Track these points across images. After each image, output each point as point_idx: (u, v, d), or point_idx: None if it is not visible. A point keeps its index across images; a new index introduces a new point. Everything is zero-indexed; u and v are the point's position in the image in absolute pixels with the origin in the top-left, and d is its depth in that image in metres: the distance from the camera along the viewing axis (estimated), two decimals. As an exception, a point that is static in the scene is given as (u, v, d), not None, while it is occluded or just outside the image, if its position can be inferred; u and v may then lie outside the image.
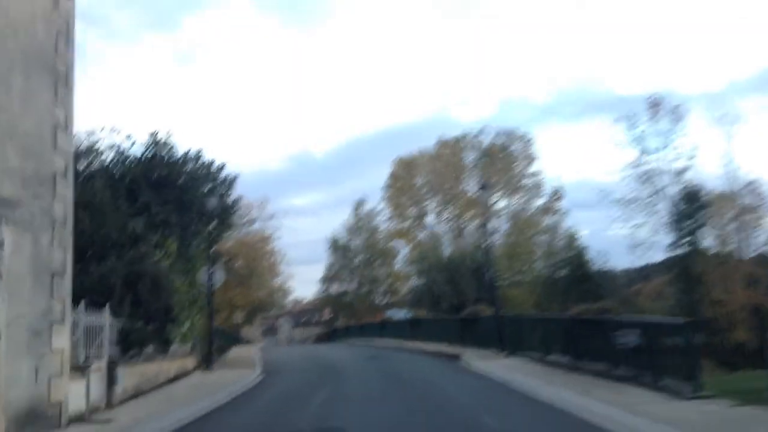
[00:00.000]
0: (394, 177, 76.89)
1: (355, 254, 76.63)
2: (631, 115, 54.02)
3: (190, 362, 22.07)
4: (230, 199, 27.69)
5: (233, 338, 57.64)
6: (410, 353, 29.48)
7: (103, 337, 14.68)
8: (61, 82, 12.60)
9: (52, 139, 12.17)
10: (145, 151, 23.79)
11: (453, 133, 75.91)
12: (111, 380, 14.53)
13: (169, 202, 22.98)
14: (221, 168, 26.62)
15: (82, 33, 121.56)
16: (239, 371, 21.76)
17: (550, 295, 56.68)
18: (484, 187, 24.82)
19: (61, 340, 11.82)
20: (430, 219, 75.81)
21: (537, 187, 71.33)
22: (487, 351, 24.13)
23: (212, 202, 23.65)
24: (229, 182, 26.95)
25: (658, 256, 54.80)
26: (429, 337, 33.31)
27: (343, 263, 76.33)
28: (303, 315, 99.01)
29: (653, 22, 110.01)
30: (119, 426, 12.28)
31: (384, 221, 76.91)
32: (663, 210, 53.56)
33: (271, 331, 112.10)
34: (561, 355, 18.98)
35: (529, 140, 72.61)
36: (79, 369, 12.89)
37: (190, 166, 24.76)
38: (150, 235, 20.19)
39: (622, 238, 77.43)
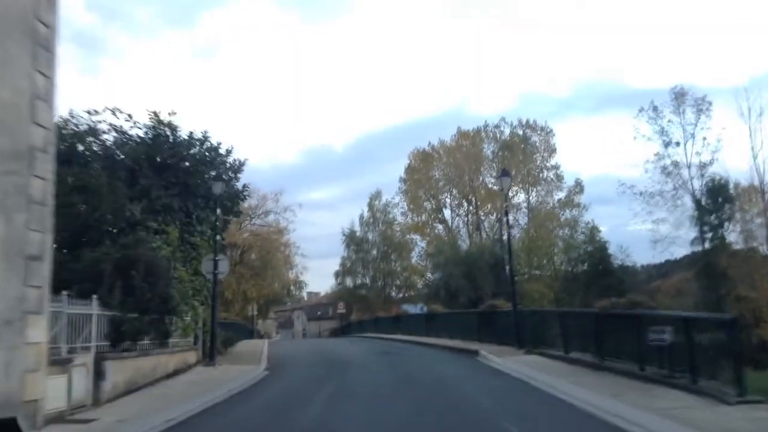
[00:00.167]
0: (411, 169, 75.79)
1: (371, 247, 75.49)
2: (654, 106, 53.02)
3: (191, 356, 20.96)
4: (238, 185, 26.46)
5: (247, 331, 56.86)
6: (425, 348, 28.25)
7: (91, 328, 13.61)
8: (41, 46, 11.42)
9: (29, 110, 10.96)
10: (147, 132, 22.61)
11: (471, 126, 74.64)
12: (99, 376, 13.40)
13: (172, 186, 21.82)
14: (229, 152, 25.44)
15: (102, 28, 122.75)
16: (243, 366, 20.64)
17: (569, 290, 55.60)
18: (504, 174, 23.37)
19: (38, 332, 10.64)
20: (447, 212, 74.82)
21: (557, 180, 70.05)
22: (505, 347, 22.88)
23: (218, 187, 22.40)
24: (237, 167, 25.73)
25: (680, 251, 53.62)
26: (445, 332, 32.06)
27: (358, 256, 75.21)
28: (318, 308, 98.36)
29: (672, 16, 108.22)
30: (101, 426, 11.16)
31: (400, 214, 75.86)
32: (686, 204, 52.42)
33: (287, 324, 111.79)
34: (584, 353, 17.74)
35: (549, 131, 71.25)
36: (60, 364, 11.77)
37: (195, 149, 23.55)
38: (149, 221, 19.11)
39: (641, 234, 75.97)
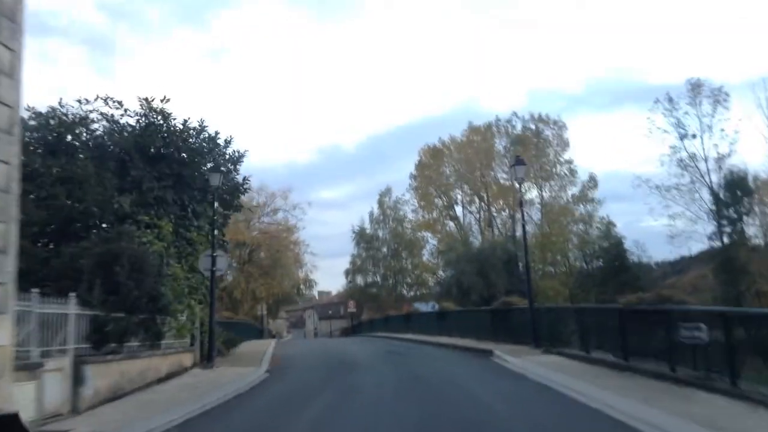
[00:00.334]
0: (422, 165, 74.69)
1: (381, 245, 74.34)
2: (670, 98, 51.69)
3: (187, 358, 19.73)
4: (238, 178, 25.14)
5: (256, 331, 55.77)
6: (436, 348, 26.98)
7: (68, 330, 12.44)
8: (4, 16, 10.23)
9: (-11, 86, 9.80)
10: (139, 120, 21.34)
11: (482, 121, 73.40)
12: (77, 381, 12.22)
13: (165, 177, 20.60)
14: (228, 142, 24.19)
15: (111, 28, 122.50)
16: (242, 369, 19.37)
17: (584, 287, 54.46)
18: (518, 162, 22.07)
19: (1, 334, 9.49)
20: (458, 209, 73.64)
21: (571, 175, 68.75)
22: (520, 346, 21.60)
23: (215, 179, 21.13)
24: (237, 158, 24.44)
25: (698, 246, 52.52)
26: (457, 330, 30.80)
27: (368, 254, 74.10)
28: (329, 308, 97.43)
29: (684, 11, 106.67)
30: (73, 439, 10.00)
31: (411, 211, 74.74)
32: (704, 198, 51.19)
33: (298, 323, 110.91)
34: (607, 352, 16.47)
35: (562, 125, 69.94)
36: (28, 369, 10.59)
37: (192, 139, 22.31)
38: (140, 214, 17.96)
39: (654, 231, 75.11)
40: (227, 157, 24.09)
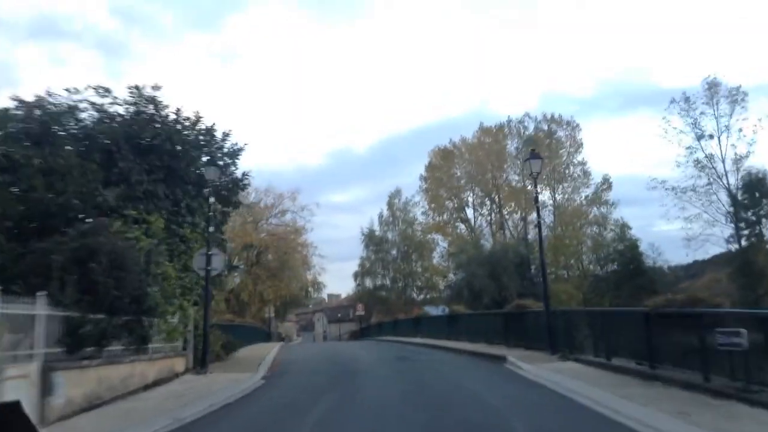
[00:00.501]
0: (432, 167, 73.48)
1: (390, 247, 73.07)
2: (686, 97, 50.36)
3: (179, 363, 18.44)
4: (237, 173, 23.86)
5: (263, 334, 54.68)
6: (445, 353, 25.68)
7: (36, 332, 11.21)
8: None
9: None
10: (128, 109, 20.08)
11: (494, 123, 72.26)
12: (46, 389, 10.98)
13: (156, 170, 19.39)
14: (226, 135, 22.90)
15: (124, 32, 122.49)
16: (238, 374, 18.12)
17: (598, 290, 53.26)
18: (533, 156, 20.79)
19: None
20: (469, 212, 72.42)
21: (584, 176, 67.39)
22: (535, 352, 20.35)
23: (211, 173, 19.86)
24: (235, 152, 23.14)
25: (715, 250, 51.33)
26: (468, 334, 29.53)
27: (377, 257, 72.83)
28: (338, 311, 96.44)
29: (697, 13, 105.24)
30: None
31: (421, 213, 73.54)
32: (721, 200, 49.90)
33: (308, 326, 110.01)
34: (630, 359, 15.18)
35: (576, 126, 68.56)
36: (-17, 376, 9.40)
37: (188, 131, 21.05)
38: (128, 208, 16.75)
39: (668, 235, 73.96)
40: (225, 150, 22.84)
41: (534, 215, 67.50)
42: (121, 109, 20.01)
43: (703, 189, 50.16)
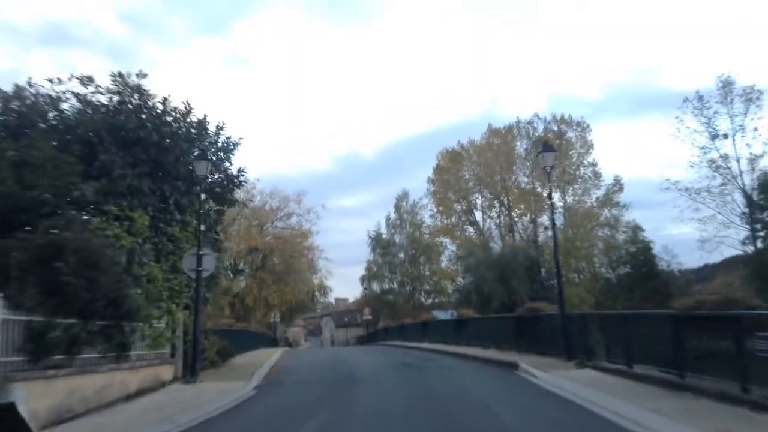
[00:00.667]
0: (440, 169, 72.22)
1: (398, 250, 71.85)
2: (700, 96, 49.09)
3: (166, 371, 17.11)
4: (231, 169, 22.54)
5: (268, 339, 53.58)
6: (454, 359, 24.37)
7: (-7, 338, 10.00)
8: None
9: None
10: (111, 98, 18.74)
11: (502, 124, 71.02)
12: (2, 402, 9.76)
13: (142, 163, 18.09)
14: (220, 129, 21.56)
15: (133, 39, 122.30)
16: (230, 383, 16.80)
17: (611, 293, 51.98)
18: (546, 148, 19.52)
19: None
20: (477, 214, 71.14)
21: (595, 178, 65.93)
22: (549, 358, 19.06)
23: (202, 167, 18.58)
24: (230, 147, 21.86)
25: (730, 252, 50.11)
26: (477, 339, 28.23)
27: (384, 260, 71.63)
28: (346, 315, 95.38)
29: (707, 14, 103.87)
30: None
31: (429, 216, 72.32)
32: (736, 200, 48.61)
33: (315, 331, 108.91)
34: (654, 366, 13.86)
35: (586, 126, 67.08)
36: None
37: (180, 124, 19.78)
38: (108, 204, 15.53)
39: (678, 239, 72.58)
40: (219, 145, 21.57)
41: (544, 217, 67.25)
42: (104, 99, 18.75)
43: (717, 189, 48.84)
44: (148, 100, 19.00)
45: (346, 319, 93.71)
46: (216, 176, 21.82)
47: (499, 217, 70.54)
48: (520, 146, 69.38)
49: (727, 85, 48.48)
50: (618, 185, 64.42)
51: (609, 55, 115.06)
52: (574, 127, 67.28)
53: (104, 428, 10.79)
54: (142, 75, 18.93)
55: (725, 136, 48.21)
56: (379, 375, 18.71)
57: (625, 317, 16.45)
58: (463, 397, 13.36)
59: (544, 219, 66.77)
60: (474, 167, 70.90)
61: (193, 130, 20.29)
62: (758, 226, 45.86)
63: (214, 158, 20.87)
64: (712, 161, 48.83)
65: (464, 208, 71.28)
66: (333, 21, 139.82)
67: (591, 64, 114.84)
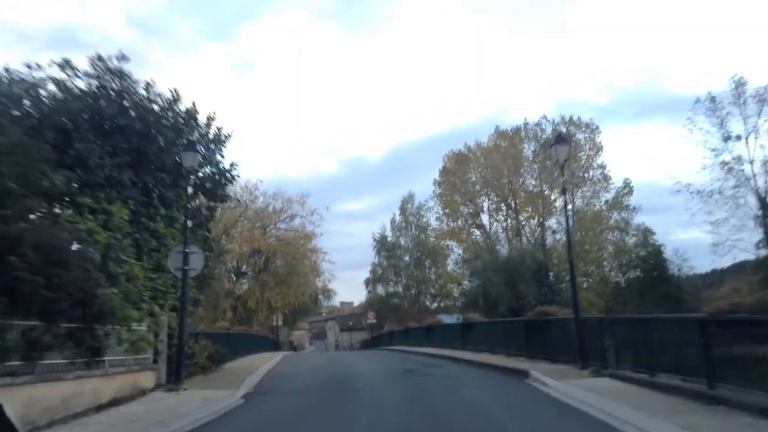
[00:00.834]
0: (446, 171, 70.96)
1: (403, 253, 70.61)
2: (712, 97, 47.81)
3: (148, 378, 15.72)
4: (223, 162, 21.20)
5: (270, 343, 52.40)
6: (459, 366, 23.06)
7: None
8: None
9: None
10: (90, 83, 17.36)
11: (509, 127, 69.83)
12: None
13: (122, 153, 16.77)
14: (211, 119, 20.30)
15: (141, 43, 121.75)
16: (215, 391, 15.44)
17: (621, 298, 50.82)
18: (559, 141, 18.25)
19: None
20: (484, 217, 69.87)
21: (604, 180, 64.58)
22: (561, 366, 17.74)
23: (189, 159, 17.18)
24: (221, 139, 20.56)
25: (743, 256, 48.88)
26: (484, 344, 26.94)
27: (389, 263, 70.40)
28: (350, 319, 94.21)
29: (715, 17, 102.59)
30: None
31: (435, 219, 71.11)
32: (749, 203, 47.30)
33: (320, 335, 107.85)
34: (679, 376, 12.57)
35: (595, 128, 65.81)
36: None
37: (169, 114, 18.51)
38: (84, 195, 14.27)
39: (687, 244, 71.21)
40: (211, 137, 20.28)
41: (552, 221, 66.02)
42: (82, 84, 17.45)
43: (730, 192, 47.48)
44: (131, 86, 17.72)
45: (350, 323, 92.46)
46: (207, 170, 20.63)
47: (506, 220, 69.38)
48: (528, 148, 68.26)
49: (739, 86, 47.22)
50: (627, 188, 63.23)
51: (614, 60, 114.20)
52: (583, 129, 66.08)
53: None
54: (123, 58, 17.65)
55: (738, 137, 46.93)
56: (377, 383, 17.35)
57: (646, 322, 15.08)
58: (469, 412, 12.00)
59: (552, 222, 65.70)
60: (481, 170, 69.73)
61: (181, 120, 19.02)
62: (773, 229, 44.64)
63: (202, 149, 19.62)
64: (724, 163, 47.53)
65: (471, 211, 70.12)
66: (339, 25, 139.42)
67: (596, 68, 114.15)
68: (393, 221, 72.38)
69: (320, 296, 76.63)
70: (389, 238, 71.36)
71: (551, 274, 54.89)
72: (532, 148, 67.70)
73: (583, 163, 65.18)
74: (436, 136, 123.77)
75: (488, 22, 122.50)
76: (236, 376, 18.94)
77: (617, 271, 57.37)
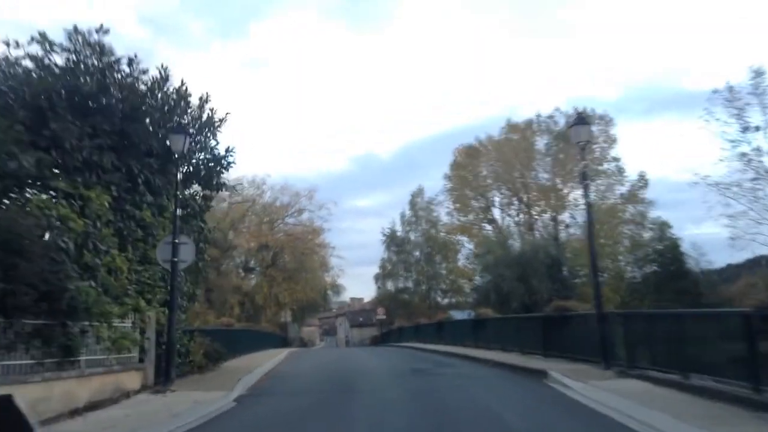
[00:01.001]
0: (457, 165, 69.57)
1: (413, 248, 69.29)
2: (730, 86, 46.31)
3: (132, 379, 14.38)
4: (218, 148, 19.83)
5: (278, 339, 51.39)
6: (471, 364, 21.72)
7: None
8: None
9: None
10: (69, 58, 15.90)
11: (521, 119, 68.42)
12: None
13: (104, 135, 15.34)
14: (205, 101, 18.93)
15: (152, 41, 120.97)
16: (209, 393, 14.09)
17: (637, 293, 49.51)
18: (580, 120, 16.89)
19: None
20: (495, 212, 68.53)
21: (618, 173, 63.05)
22: (582, 365, 16.38)
23: (178, 142, 15.68)
24: (214, 122, 19.17)
25: (762, 250, 47.46)
26: (497, 342, 25.60)
27: (399, 258, 69.10)
28: (360, 315, 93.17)
29: (726, 14, 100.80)
30: None
31: (445, 214, 69.74)
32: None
33: (331, 331, 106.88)
34: (714, 377, 11.24)
35: (609, 120, 64.30)
36: None
37: (154, 92, 17.20)
38: (58, 178, 12.99)
39: (699, 238, 69.65)
40: (204, 119, 18.92)
41: (565, 215, 64.59)
42: (60, 60, 16.10)
43: (749, 185, 45.92)
44: (114, 63, 16.33)
45: (360, 319, 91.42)
46: (201, 156, 19.31)
47: (518, 214, 68.05)
48: (540, 142, 66.79)
49: (758, 75, 45.67)
50: (643, 181, 61.70)
51: (624, 57, 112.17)
52: (597, 121, 64.44)
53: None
54: (103, 31, 16.25)
55: (757, 128, 45.37)
56: (382, 385, 15.97)
57: (678, 317, 13.69)
58: (484, 420, 10.63)
59: (566, 216, 64.31)
60: (492, 163, 68.34)
61: (170, 101, 17.63)
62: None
63: (196, 134, 18.29)
64: (743, 154, 45.99)
65: (482, 205, 68.78)
66: (349, 22, 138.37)
67: (606, 66, 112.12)
68: (402, 216, 71.08)
69: (329, 292, 75.70)
70: (399, 233, 70.06)
71: (565, 269, 53.57)
72: (545, 141, 66.39)
73: (597, 155, 63.71)
74: (447, 132, 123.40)
75: (495, 21, 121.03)
76: (233, 376, 17.65)
77: (633, 265, 56.14)
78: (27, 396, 9.89)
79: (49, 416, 10.62)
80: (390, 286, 70.05)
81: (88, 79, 15.60)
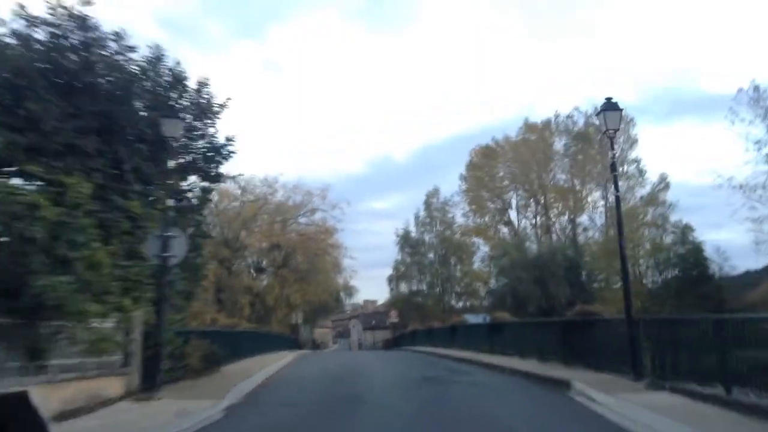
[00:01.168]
0: (473, 166, 68.38)
1: (427, 250, 67.99)
2: (755, 86, 44.90)
3: (113, 385, 13.05)
4: (215, 136, 18.57)
5: (289, 341, 50.27)
6: (486, 372, 20.31)
7: None
8: None
9: None
10: (53, 33, 14.59)
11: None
12: None
13: (88, 117, 14.12)
14: (203, 85, 17.73)
15: (172, 43, 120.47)
16: (198, 401, 12.75)
17: (658, 299, 48.30)
18: (609, 107, 15.54)
19: None
20: (512, 214, 67.31)
21: (639, 175, 61.59)
22: (609, 375, 15.00)
23: (172, 127, 14.40)
24: (212, 108, 17.89)
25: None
26: (514, 348, 24.18)
27: (413, 260, 67.82)
28: (374, 317, 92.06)
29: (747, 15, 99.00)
30: None
31: (461, 215, 68.55)
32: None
33: (344, 333, 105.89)
34: (761, 391, 9.88)
35: (630, 120, 62.72)
36: None
37: (146, 73, 15.94)
38: (32, 162, 11.77)
39: (718, 244, 68.19)
40: (201, 104, 17.63)
41: (584, 217, 63.22)
42: (40, 35, 14.89)
43: (775, 185, 44.54)
44: (101, 40, 15.07)
45: (373, 322, 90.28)
46: (199, 144, 18.04)
47: (535, 216, 66.94)
48: (559, 142, 65.53)
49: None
50: (664, 183, 60.21)
51: (645, 57, 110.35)
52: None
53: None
54: (86, 2, 15.05)
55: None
56: (390, 395, 14.49)
57: (719, 324, 12.30)
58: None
59: (584, 219, 63.02)
60: (509, 164, 67.08)
61: (167, 81, 16.38)
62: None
63: (194, 120, 17.02)
64: (768, 157, 44.61)
65: (498, 207, 67.57)
66: (368, 24, 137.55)
67: (627, 68, 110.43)
68: (417, 217, 69.83)
69: (342, 293, 74.57)
70: (413, 234, 68.78)
71: (584, 272, 52.23)
72: (563, 142, 65.12)
73: (617, 156, 62.26)
74: (463, 134, 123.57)
75: (513, 21, 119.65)
76: (230, 382, 16.37)
77: (654, 269, 54.83)
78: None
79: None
80: (403, 288, 68.91)
81: (72, 56, 14.33)
